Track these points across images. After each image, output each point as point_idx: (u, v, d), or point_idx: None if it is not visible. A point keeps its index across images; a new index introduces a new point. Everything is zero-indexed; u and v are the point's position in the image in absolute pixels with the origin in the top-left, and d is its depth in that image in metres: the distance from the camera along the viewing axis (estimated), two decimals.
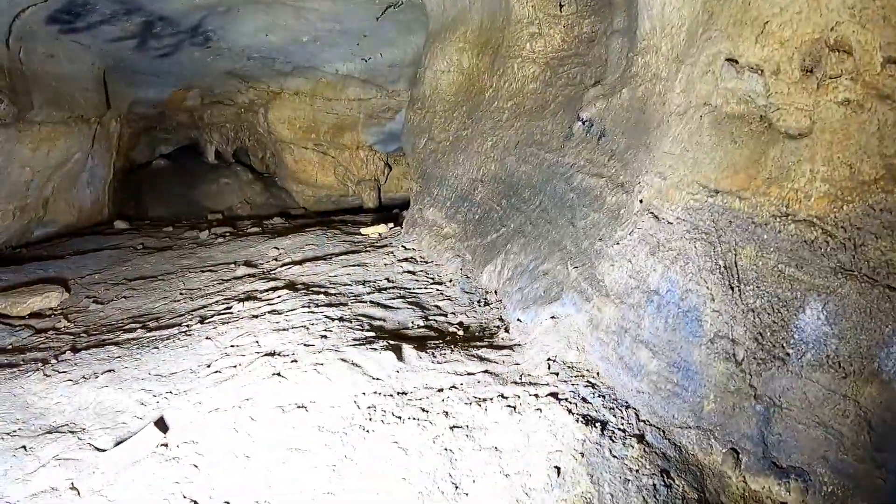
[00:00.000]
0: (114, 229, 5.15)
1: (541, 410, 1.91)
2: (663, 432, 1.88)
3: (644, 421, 1.91)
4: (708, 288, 1.87)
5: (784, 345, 1.74)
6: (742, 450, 1.82)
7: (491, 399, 1.97)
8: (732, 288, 1.85)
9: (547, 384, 2.04)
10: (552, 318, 2.27)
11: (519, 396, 1.98)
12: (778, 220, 1.85)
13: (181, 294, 3.41)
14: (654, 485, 1.72)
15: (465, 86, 4.57)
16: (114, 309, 3.34)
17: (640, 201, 2.23)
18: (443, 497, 1.72)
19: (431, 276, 3.26)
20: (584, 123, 3.20)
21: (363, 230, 4.34)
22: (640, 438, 1.84)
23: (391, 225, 4.40)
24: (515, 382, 2.08)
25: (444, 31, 4.56)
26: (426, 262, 3.44)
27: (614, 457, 1.79)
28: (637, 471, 1.76)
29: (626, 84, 3.00)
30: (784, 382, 1.78)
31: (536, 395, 1.97)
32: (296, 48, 5.01)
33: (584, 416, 1.86)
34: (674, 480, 1.75)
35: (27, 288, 3.64)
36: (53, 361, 2.66)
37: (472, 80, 4.49)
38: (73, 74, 4.59)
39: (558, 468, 1.79)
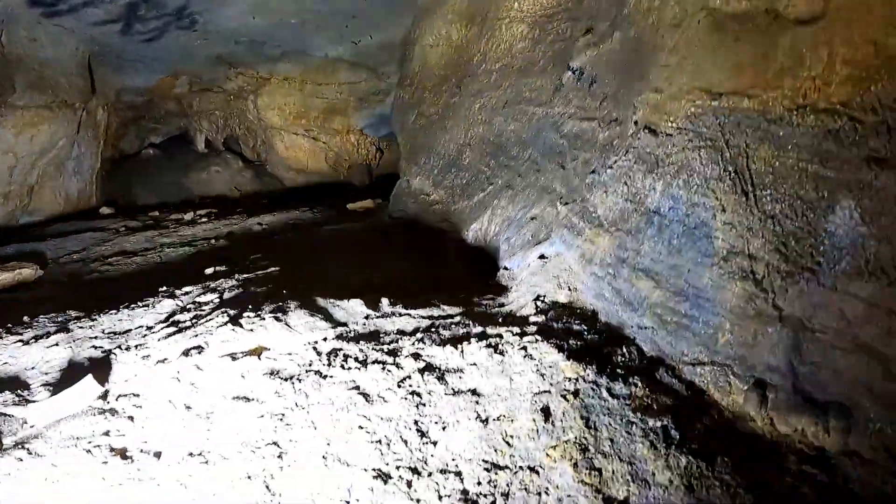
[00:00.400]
0: (99, 215, 4.94)
1: (526, 349, 1.59)
2: (672, 370, 1.55)
3: (649, 358, 1.58)
4: (717, 198, 1.56)
5: (813, 253, 1.42)
6: (768, 385, 1.48)
7: (469, 340, 1.66)
8: (747, 195, 1.53)
9: (535, 323, 1.73)
10: (541, 257, 1.96)
11: (501, 336, 1.66)
12: (795, 113, 1.54)
13: (156, 266, 3.15)
14: (665, 428, 1.39)
15: (454, 59, 4.32)
16: (86, 281, 3.09)
17: (636, 122, 1.93)
18: (405, 447, 1.40)
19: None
20: (574, 72, 2.92)
21: (349, 205, 4.07)
22: (645, 377, 1.51)
23: (379, 200, 4.13)
24: (498, 323, 1.77)
25: (433, 4, 4.33)
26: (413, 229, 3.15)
27: (614, 397, 1.47)
28: (642, 412, 1.43)
29: (617, 27, 2.72)
30: (815, 299, 1.44)
31: (522, 334, 1.66)
32: (284, 31, 4.80)
33: (577, 354, 1.54)
34: (687, 424, 1.42)
35: (1, 265, 3.40)
36: (9, 325, 2.40)
37: (461, 52, 4.25)
38: (57, 59, 4.41)
39: (546, 411, 1.46)
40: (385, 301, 1.96)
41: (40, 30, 4.21)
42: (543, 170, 2.47)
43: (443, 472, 1.33)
